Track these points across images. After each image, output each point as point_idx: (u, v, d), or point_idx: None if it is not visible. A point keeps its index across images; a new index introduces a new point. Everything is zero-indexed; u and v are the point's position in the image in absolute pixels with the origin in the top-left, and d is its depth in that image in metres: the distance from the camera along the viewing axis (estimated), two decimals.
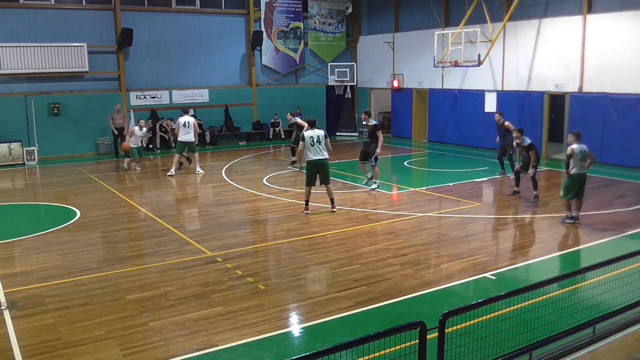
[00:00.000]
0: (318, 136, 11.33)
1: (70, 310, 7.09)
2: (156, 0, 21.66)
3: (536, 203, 12.39)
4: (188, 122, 16.24)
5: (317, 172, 11.49)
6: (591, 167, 10.74)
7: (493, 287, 7.69)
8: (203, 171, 16.61)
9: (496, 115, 15.44)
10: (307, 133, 11.43)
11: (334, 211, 11.68)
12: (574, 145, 10.51)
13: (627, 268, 6.57)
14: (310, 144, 11.30)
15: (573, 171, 10.49)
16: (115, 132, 19.84)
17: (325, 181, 11.62)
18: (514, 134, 13.18)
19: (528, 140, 12.77)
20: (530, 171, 12.43)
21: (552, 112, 19.28)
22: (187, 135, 16.17)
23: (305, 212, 11.62)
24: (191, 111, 22.17)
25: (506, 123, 14.90)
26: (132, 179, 16.91)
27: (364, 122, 13.77)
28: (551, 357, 5.45)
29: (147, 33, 21.33)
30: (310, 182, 11.55)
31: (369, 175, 14.08)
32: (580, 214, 11.01)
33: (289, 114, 17.55)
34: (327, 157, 11.53)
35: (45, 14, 19.68)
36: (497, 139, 15.35)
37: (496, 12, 19.18)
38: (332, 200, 11.80)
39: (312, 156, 11.37)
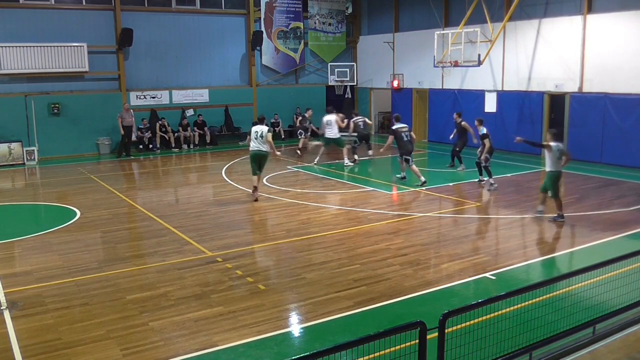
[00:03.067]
0: (261, 132, 12.80)
1: (70, 310, 7.09)
2: (156, 0, 21.64)
3: (495, 191, 13.39)
4: (329, 121, 17.41)
5: (256, 161, 12.92)
6: (567, 164, 10.97)
7: (493, 287, 7.70)
8: (351, 163, 17.49)
9: (455, 115, 16.55)
10: (253, 128, 13.02)
11: (255, 199, 12.82)
12: (552, 143, 10.71)
13: (627, 268, 6.57)
14: (254, 137, 12.84)
15: (550, 168, 10.74)
16: (122, 131, 19.84)
17: (259, 170, 13.07)
18: (475, 123, 14.43)
19: (484, 130, 14.00)
20: (483, 157, 13.67)
21: (552, 112, 19.27)
22: (331, 131, 17.39)
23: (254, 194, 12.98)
24: (190, 111, 22.29)
25: (463, 123, 15.99)
26: (132, 178, 16.92)
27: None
28: (551, 357, 5.45)
29: (147, 33, 21.33)
30: (253, 172, 13.09)
31: (403, 174, 15.13)
32: (580, 214, 11.01)
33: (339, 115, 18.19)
34: (266, 149, 12.86)
35: (45, 14, 19.67)
36: (452, 135, 16.55)
37: (496, 12, 19.18)
38: (255, 188, 13.04)
39: (252, 147, 12.93)
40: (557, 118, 19.61)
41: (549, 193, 10.92)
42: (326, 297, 7.36)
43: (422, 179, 14.21)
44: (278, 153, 13.93)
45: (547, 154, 10.73)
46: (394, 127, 14.93)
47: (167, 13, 21.87)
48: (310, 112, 20.62)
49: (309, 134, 20.14)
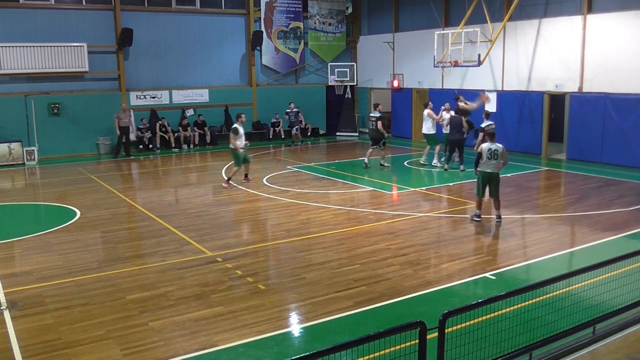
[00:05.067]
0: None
1: (70, 310, 7.09)
2: (156, 0, 21.64)
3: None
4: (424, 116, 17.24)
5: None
6: (504, 168, 10.79)
7: (493, 287, 7.70)
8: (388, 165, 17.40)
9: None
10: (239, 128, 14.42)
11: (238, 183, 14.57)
12: (484, 145, 10.68)
13: (627, 268, 6.58)
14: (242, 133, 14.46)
15: (480, 168, 10.69)
16: (118, 132, 19.79)
17: (245, 161, 14.73)
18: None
19: (482, 124, 15.03)
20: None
21: (552, 112, 19.28)
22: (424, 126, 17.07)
23: (227, 185, 14.39)
24: (190, 111, 22.29)
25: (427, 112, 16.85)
26: (132, 178, 16.92)
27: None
28: (551, 357, 5.45)
29: (147, 33, 21.32)
30: (237, 164, 14.54)
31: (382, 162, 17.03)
32: (580, 214, 10.99)
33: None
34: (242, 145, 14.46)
35: (45, 14, 19.67)
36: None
37: (496, 12, 19.18)
38: (246, 175, 14.96)
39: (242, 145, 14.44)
40: (557, 118, 19.64)
41: (476, 191, 11.06)
42: (326, 297, 7.36)
43: (384, 163, 16.96)
44: (237, 144, 14.26)
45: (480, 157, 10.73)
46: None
47: (167, 13, 21.86)
48: (292, 105, 22.68)
49: (298, 129, 22.63)
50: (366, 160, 16.89)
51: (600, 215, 11.17)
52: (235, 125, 14.50)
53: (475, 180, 11.16)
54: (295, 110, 22.65)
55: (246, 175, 14.89)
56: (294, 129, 22.61)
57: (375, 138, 16.65)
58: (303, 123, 23.61)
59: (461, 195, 13.33)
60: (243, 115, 14.80)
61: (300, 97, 24.76)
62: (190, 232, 10.50)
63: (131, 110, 20.51)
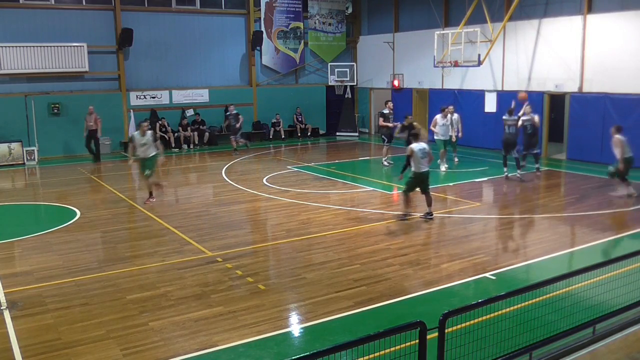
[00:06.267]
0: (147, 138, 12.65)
1: (70, 310, 7.09)
2: (156, 0, 21.65)
3: None
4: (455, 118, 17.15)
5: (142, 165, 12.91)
6: (430, 164, 11.12)
7: (493, 287, 7.69)
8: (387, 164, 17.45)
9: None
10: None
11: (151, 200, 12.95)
12: (413, 145, 10.88)
13: (627, 268, 6.58)
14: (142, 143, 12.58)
15: (414, 169, 10.94)
16: (84, 132, 19.17)
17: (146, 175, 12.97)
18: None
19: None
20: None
21: (552, 112, 19.28)
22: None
23: (150, 200, 12.91)
24: (190, 111, 22.27)
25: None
26: (132, 179, 16.92)
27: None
28: (551, 357, 5.45)
29: (147, 33, 21.32)
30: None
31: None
32: (580, 214, 10.98)
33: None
34: (154, 153, 12.75)
35: (45, 14, 19.67)
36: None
37: (496, 12, 19.18)
38: (150, 194, 13.05)
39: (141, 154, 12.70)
40: (557, 118, 19.64)
41: (404, 189, 11.28)
42: (326, 297, 7.36)
43: (384, 162, 17.21)
44: (136, 152, 12.81)
45: (412, 158, 10.90)
46: None
47: (167, 13, 21.87)
48: (232, 107, 20.59)
49: (238, 135, 20.45)
50: (383, 160, 17.38)
51: (600, 215, 11.17)
52: (133, 133, 13.43)
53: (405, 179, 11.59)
54: (234, 112, 20.29)
55: (151, 194, 13.03)
56: (233, 133, 20.32)
57: (380, 134, 17.51)
58: (241, 125, 20.70)
59: (461, 195, 13.32)
60: (144, 124, 12.92)
61: (300, 97, 24.78)
62: (190, 232, 10.50)
63: (131, 111, 20.39)
